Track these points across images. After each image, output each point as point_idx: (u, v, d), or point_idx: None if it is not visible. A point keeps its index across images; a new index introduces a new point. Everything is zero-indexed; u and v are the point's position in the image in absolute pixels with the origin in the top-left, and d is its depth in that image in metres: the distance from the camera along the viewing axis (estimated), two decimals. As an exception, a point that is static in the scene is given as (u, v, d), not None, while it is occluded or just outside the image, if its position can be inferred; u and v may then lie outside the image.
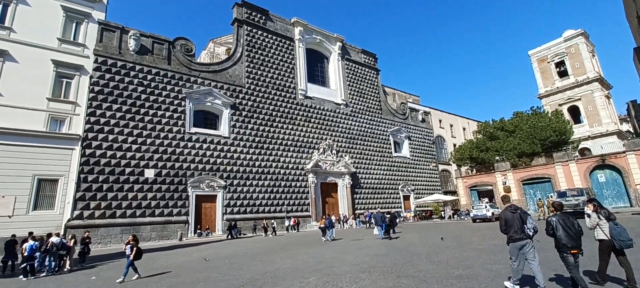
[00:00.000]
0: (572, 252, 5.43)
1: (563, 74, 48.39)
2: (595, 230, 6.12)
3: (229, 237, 24.24)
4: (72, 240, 11.40)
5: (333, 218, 30.97)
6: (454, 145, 51.38)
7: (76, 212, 20.38)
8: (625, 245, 5.70)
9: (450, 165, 48.89)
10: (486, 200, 36.42)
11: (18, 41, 20.96)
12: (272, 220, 27.79)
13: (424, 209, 41.54)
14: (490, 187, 37.49)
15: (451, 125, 55.35)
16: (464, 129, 57.47)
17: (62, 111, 21.69)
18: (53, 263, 10.68)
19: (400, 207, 39.75)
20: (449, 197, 41.16)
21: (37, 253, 10.50)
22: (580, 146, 39.36)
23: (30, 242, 10.50)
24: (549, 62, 49.68)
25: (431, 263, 8.78)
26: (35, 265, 10.57)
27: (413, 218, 37.71)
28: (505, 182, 35.55)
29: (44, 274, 10.68)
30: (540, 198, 28.73)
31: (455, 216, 35.58)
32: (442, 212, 37.83)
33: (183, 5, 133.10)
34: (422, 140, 47.44)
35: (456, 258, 9.38)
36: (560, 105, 46.08)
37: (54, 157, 20.57)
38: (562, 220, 5.59)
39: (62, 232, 19.70)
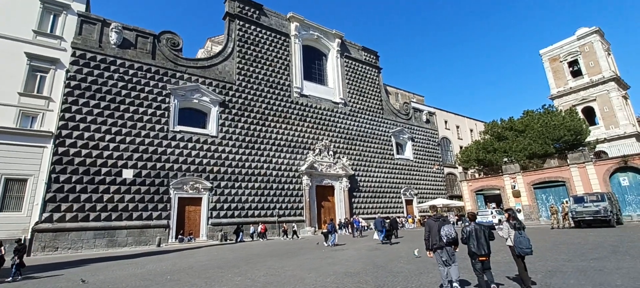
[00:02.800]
0: (480, 259, 6.04)
1: (577, 73, 45.84)
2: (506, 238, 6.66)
3: (236, 240, 24.13)
4: (1, 248, 9.89)
5: (344, 222, 29.33)
6: (461, 147, 48.95)
7: (45, 215, 19.00)
8: (523, 253, 6.27)
9: (456, 168, 46.50)
10: (493, 205, 34.03)
11: (-12, 33, 19.85)
12: (293, 224, 27.33)
13: (426, 214, 39.25)
14: (497, 191, 34.99)
15: (457, 127, 52.93)
16: (471, 130, 54.95)
17: (35, 107, 20.46)
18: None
19: (403, 212, 37.65)
20: (454, 202, 38.83)
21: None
22: (596, 149, 36.63)
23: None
24: (561, 62, 47.14)
25: (408, 288, 6.91)
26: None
27: (414, 223, 35.53)
28: (515, 186, 33.02)
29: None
30: (553, 204, 26.19)
31: (460, 222, 33.27)
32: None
33: (182, 4, 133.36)
34: (427, 141, 45.22)
35: (443, 280, 7.46)
36: (574, 106, 43.38)
37: (24, 156, 19.28)
38: (474, 230, 6.14)
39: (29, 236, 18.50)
